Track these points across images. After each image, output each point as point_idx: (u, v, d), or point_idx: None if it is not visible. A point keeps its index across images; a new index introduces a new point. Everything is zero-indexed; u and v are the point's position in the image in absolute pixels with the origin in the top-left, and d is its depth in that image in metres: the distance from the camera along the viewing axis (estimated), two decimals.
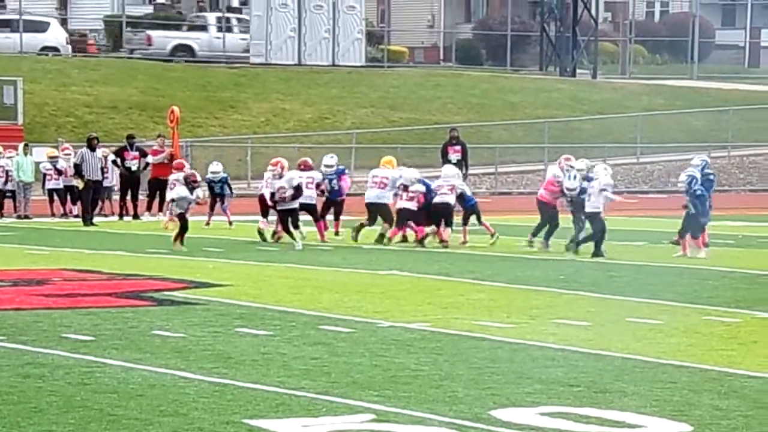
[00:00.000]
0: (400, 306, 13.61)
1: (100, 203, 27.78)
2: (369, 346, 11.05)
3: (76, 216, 27.00)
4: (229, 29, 46.49)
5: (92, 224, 25.71)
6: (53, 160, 28.35)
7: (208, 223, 24.56)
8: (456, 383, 9.41)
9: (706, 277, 16.53)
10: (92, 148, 26.77)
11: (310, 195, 21.47)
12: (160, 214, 27.68)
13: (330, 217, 22.30)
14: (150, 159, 27.96)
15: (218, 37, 45.70)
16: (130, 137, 28.86)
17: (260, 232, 21.72)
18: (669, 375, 9.83)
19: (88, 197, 26.30)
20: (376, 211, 21.38)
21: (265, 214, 21.94)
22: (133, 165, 27.84)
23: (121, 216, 27.46)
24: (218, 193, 25.33)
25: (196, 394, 8.97)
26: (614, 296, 14.47)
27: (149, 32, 45.52)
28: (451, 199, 20.74)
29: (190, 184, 20.85)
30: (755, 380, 9.67)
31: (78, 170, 26.46)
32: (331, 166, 22.24)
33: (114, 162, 27.92)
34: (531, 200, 23.42)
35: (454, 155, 31.75)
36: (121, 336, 11.47)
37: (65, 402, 8.70)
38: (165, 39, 45.34)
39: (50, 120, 37.43)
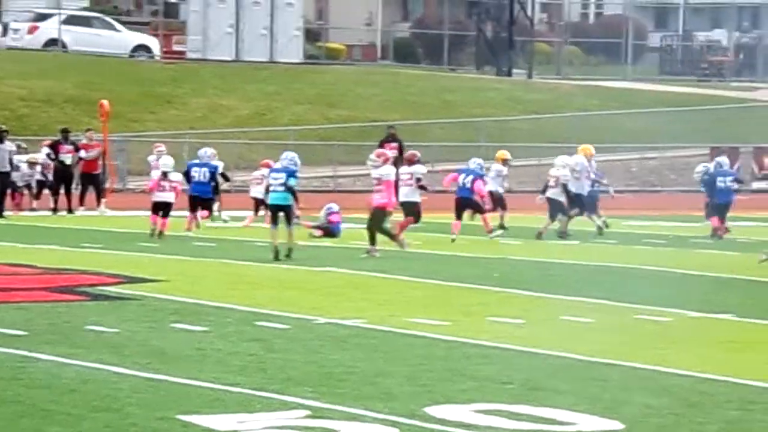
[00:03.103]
0: (336, 302, 13.64)
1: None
2: (304, 342, 11.07)
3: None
4: None
5: (1, 216, 25.52)
6: None
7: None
8: (391, 380, 9.46)
9: (639, 276, 16.72)
10: (0, 140, 26.59)
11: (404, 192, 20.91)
12: (102, 206, 27.56)
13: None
14: (83, 154, 27.89)
15: None
16: (64, 131, 28.68)
17: None
18: (601, 373, 9.94)
19: None
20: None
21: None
22: (67, 159, 27.76)
23: (54, 210, 27.27)
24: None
25: (130, 389, 8.95)
26: (548, 294, 14.59)
27: None
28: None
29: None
30: (685, 379, 9.81)
31: None
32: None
33: (48, 155, 27.76)
34: None
35: (391, 153, 31.82)
36: (54, 331, 11.40)
37: None
38: None
39: None
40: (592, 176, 23.42)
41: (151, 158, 29.08)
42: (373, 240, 18.79)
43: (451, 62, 49.82)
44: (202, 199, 22.65)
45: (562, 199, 22.48)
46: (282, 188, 18.04)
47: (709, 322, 12.78)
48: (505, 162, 23.82)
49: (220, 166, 24.11)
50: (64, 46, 42.65)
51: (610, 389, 9.30)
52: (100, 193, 28.09)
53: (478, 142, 38.63)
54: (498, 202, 23.09)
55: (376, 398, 8.81)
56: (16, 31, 43.51)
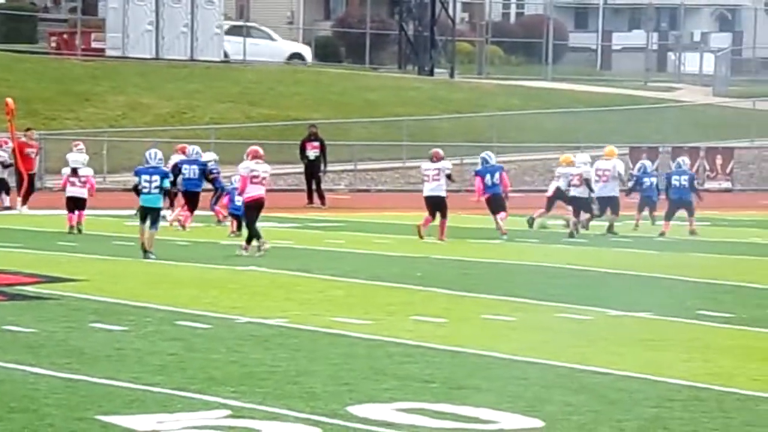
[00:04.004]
0: (258, 302, 13.58)
1: None
2: (226, 341, 11.00)
3: None
4: None
5: None
6: None
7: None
8: (313, 379, 9.43)
9: (559, 275, 16.85)
10: None
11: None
12: (20, 205, 27.19)
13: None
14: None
15: None
16: None
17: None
18: (522, 371, 9.99)
19: None
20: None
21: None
22: None
23: None
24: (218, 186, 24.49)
25: (48, 390, 8.83)
26: (470, 293, 14.65)
27: None
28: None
29: None
30: (604, 376, 9.89)
31: None
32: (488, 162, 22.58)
33: None
34: (389, 197, 23.57)
35: (312, 151, 31.78)
36: None
37: None
38: None
39: None
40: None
41: (70, 156, 28.72)
42: (254, 236, 18.57)
43: (373, 61, 49.86)
44: (192, 193, 22.92)
45: (586, 196, 22.86)
46: (157, 191, 17.99)
47: (628, 320, 12.91)
48: (571, 165, 24.70)
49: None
50: (226, 56, 44.59)
51: (531, 387, 9.35)
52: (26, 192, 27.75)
53: (400, 141, 38.72)
54: (562, 199, 24.12)
55: (298, 397, 8.78)
56: None
